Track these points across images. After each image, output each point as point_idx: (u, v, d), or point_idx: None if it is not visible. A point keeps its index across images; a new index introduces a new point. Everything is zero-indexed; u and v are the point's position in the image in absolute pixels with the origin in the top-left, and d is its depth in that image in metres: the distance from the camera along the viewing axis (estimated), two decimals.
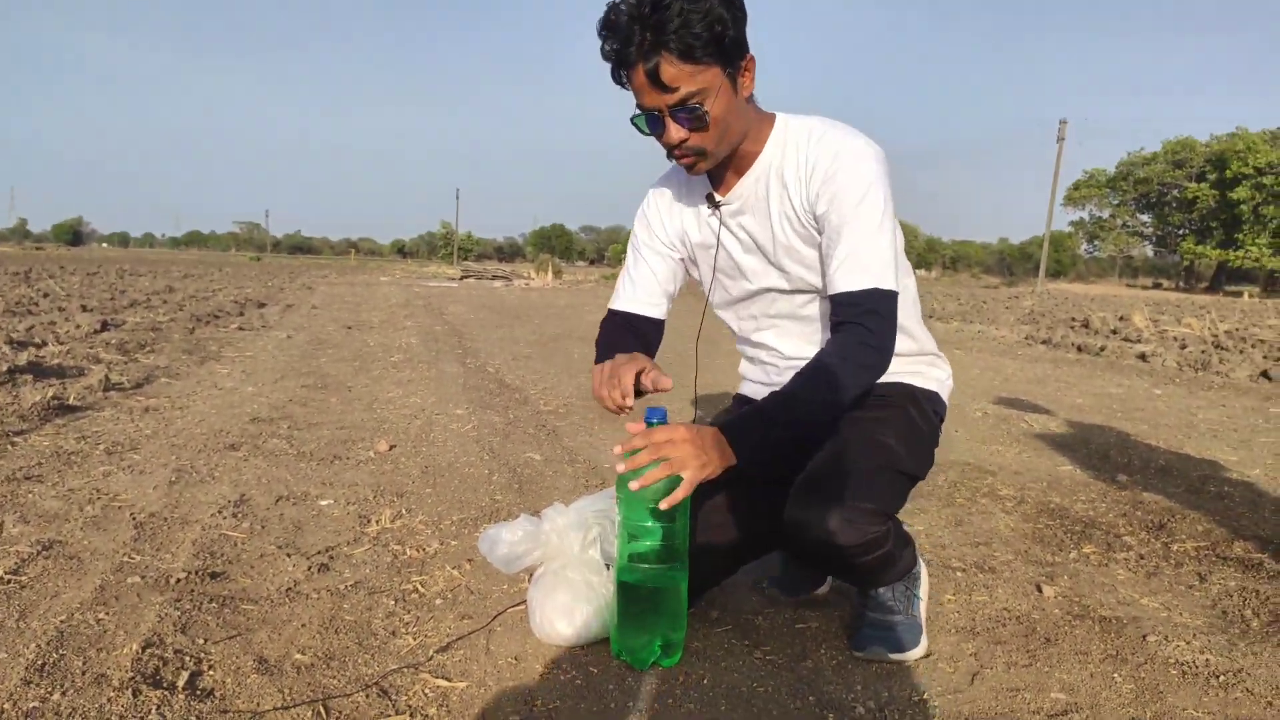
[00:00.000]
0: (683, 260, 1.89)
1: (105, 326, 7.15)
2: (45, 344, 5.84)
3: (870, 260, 1.58)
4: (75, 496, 2.59)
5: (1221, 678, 1.70)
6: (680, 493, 1.46)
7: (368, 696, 1.54)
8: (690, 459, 1.47)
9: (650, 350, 1.83)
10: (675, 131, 1.56)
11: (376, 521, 2.50)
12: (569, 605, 1.71)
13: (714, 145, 1.59)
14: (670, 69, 1.48)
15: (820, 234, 1.65)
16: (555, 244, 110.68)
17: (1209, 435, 4.28)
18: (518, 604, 1.94)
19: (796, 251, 1.70)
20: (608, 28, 1.51)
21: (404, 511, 2.62)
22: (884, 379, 1.69)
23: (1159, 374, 6.80)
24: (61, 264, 25.61)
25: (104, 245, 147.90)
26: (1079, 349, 8.50)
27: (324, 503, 2.68)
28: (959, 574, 2.25)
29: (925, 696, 1.61)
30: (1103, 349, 8.26)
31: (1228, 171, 47.23)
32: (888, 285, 1.59)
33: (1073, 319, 13.35)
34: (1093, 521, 2.76)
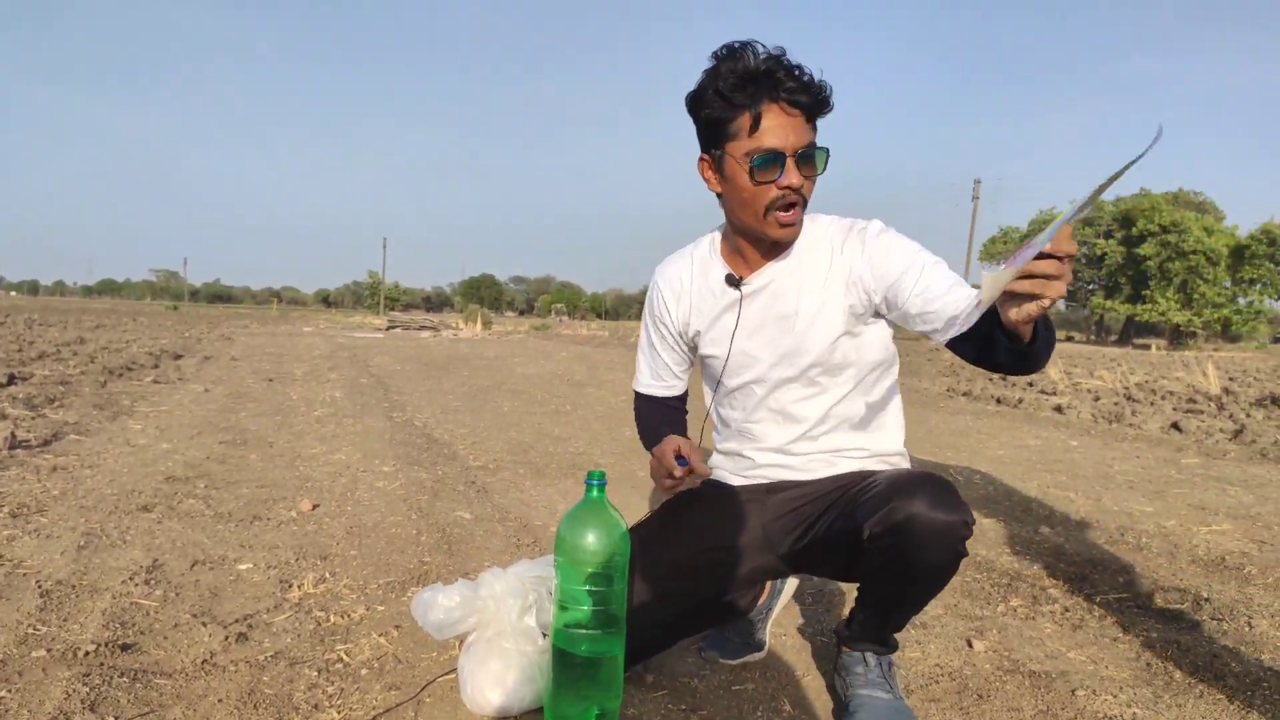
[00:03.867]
0: (691, 346, 1.94)
1: (11, 380, 6.83)
2: None
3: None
4: None
5: None
6: None
7: None
8: None
9: (683, 412, 2.03)
10: (795, 175, 1.62)
11: (298, 586, 2.42)
12: (501, 674, 1.66)
13: (809, 199, 1.69)
14: (811, 114, 1.62)
15: (882, 296, 1.69)
16: (484, 294, 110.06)
17: (1125, 486, 4.41)
18: (448, 673, 1.88)
19: (825, 323, 1.73)
20: (749, 62, 1.58)
21: (328, 575, 2.54)
22: (876, 464, 1.80)
23: (1075, 426, 7.01)
24: None
25: (12, 294, 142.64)
26: (998, 401, 8.72)
27: (243, 567, 2.58)
28: None
29: None
30: (1020, 401, 8.49)
31: (1134, 229, 49.23)
32: None
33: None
34: (1018, 574, 2.81)
